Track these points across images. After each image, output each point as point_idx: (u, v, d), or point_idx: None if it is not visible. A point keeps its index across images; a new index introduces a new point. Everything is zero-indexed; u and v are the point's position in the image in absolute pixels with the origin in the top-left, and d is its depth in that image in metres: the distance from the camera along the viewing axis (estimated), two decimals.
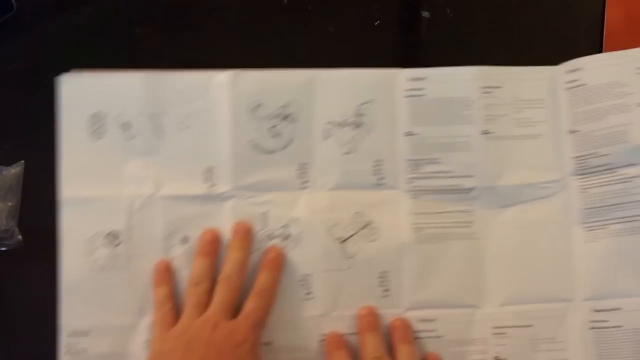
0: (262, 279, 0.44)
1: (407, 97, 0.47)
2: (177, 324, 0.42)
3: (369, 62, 0.49)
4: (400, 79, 0.47)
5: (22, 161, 0.46)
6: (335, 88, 0.47)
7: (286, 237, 0.47)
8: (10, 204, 0.45)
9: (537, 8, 0.51)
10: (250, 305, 0.43)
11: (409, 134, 0.47)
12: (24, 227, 0.46)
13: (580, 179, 0.48)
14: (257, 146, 0.47)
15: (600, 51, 0.49)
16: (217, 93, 0.47)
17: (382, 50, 0.49)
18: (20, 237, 0.46)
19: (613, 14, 0.50)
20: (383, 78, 0.47)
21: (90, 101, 0.46)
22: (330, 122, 0.47)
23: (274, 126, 0.47)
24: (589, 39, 0.50)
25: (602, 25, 0.50)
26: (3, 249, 0.46)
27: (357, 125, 0.47)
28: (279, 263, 0.44)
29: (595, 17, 0.50)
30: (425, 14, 0.49)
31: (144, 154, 0.46)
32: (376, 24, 0.49)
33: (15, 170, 0.46)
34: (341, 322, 0.46)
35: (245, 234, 0.45)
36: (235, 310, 0.43)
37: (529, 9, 0.51)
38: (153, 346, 0.43)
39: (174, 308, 0.44)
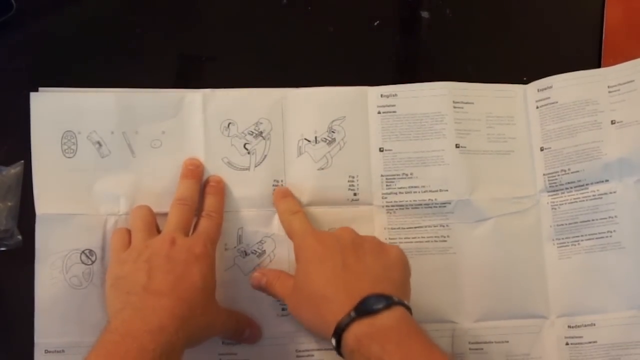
0: (209, 202, 0.45)
1: (379, 113, 0.48)
2: (131, 245, 0.43)
3: (369, 62, 0.49)
4: (371, 96, 0.48)
5: (22, 161, 0.46)
6: (307, 106, 0.48)
7: (261, 253, 0.47)
8: (10, 204, 0.45)
9: (536, 8, 0.51)
10: (203, 224, 0.44)
11: (382, 149, 0.48)
12: (24, 227, 0.46)
13: (552, 195, 0.48)
14: (230, 163, 0.47)
15: (600, 51, 0.50)
16: (189, 112, 0.47)
17: (382, 50, 0.50)
18: (20, 237, 0.46)
19: (613, 14, 0.50)
20: (355, 95, 0.48)
21: (62, 119, 0.46)
22: (304, 139, 0.47)
23: (247, 143, 0.47)
24: (589, 39, 0.50)
25: (602, 25, 0.50)
26: (3, 249, 0.46)
27: (331, 142, 0.47)
28: (221, 188, 0.46)
29: (595, 17, 0.50)
30: (425, 14, 0.50)
31: (117, 172, 0.46)
32: (376, 24, 0.50)
33: (15, 170, 0.46)
34: (316, 337, 0.46)
35: (196, 167, 0.46)
36: (188, 231, 0.44)
37: (529, 9, 0.51)
38: (110, 271, 0.43)
39: (129, 232, 0.44)
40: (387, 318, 0.37)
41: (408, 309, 0.38)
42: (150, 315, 0.38)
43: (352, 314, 0.37)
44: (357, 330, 0.36)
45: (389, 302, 0.37)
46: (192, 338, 0.40)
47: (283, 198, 0.46)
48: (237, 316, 0.45)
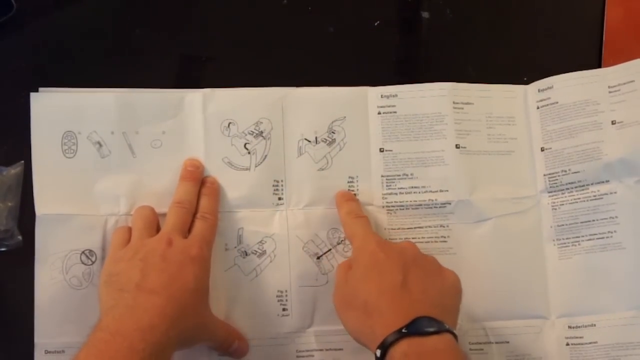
0: (204, 203, 0.46)
1: (380, 113, 0.48)
2: (129, 243, 0.43)
3: (369, 62, 0.49)
4: (372, 96, 0.48)
5: (22, 161, 0.46)
6: (307, 106, 0.48)
7: (262, 254, 0.47)
8: (10, 204, 0.45)
9: (536, 8, 0.51)
10: (198, 226, 0.44)
11: (383, 150, 0.48)
12: (24, 227, 0.46)
13: (552, 196, 0.48)
14: (231, 163, 0.47)
15: (600, 51, 0.50)
16: (189, 112, 0.47)
17: (382, 50, 0.50)
18: (20, 237, 0.46)
19: (613, 14, 0.50)
20: (355, 95, 0.48)
21: (62, 119, 0.46)
22: (304, 139, 0.47)
23: (248, 143, 0.47)
24: (589, 39, 0.50)
25: (602, 25, 0.50)
26: (3, 249, 0.46)
27: (331, 142, 0.47)
28: (216, 189, 0.46)
29: (595, 17, 0.51)
30: (425, 14, 0.50)
31: (117, 172, 0.46)
32: (376, 24, 0.50)
33: (15, 170, 0.46)
34: (317, 338, 0.46)
35: (196, 168, 0.46)
36: (186, 233, 0.44)
37: (529, 9, 0.51)
38: (105, 268, 0.43)
39: (130, 231, 0.44)
40: (438, 342, 0.37)
41: (455, 337, 0.38)
42: (141, 313, 0.38)
43: (403, 330, 0.37)
44: (406, 347, 0.36)
45: (440, 327, 0.37)
46: (182, 339, 0.40)
47: (347, 201, 0.46)
48: (228, 327, 0.45)
